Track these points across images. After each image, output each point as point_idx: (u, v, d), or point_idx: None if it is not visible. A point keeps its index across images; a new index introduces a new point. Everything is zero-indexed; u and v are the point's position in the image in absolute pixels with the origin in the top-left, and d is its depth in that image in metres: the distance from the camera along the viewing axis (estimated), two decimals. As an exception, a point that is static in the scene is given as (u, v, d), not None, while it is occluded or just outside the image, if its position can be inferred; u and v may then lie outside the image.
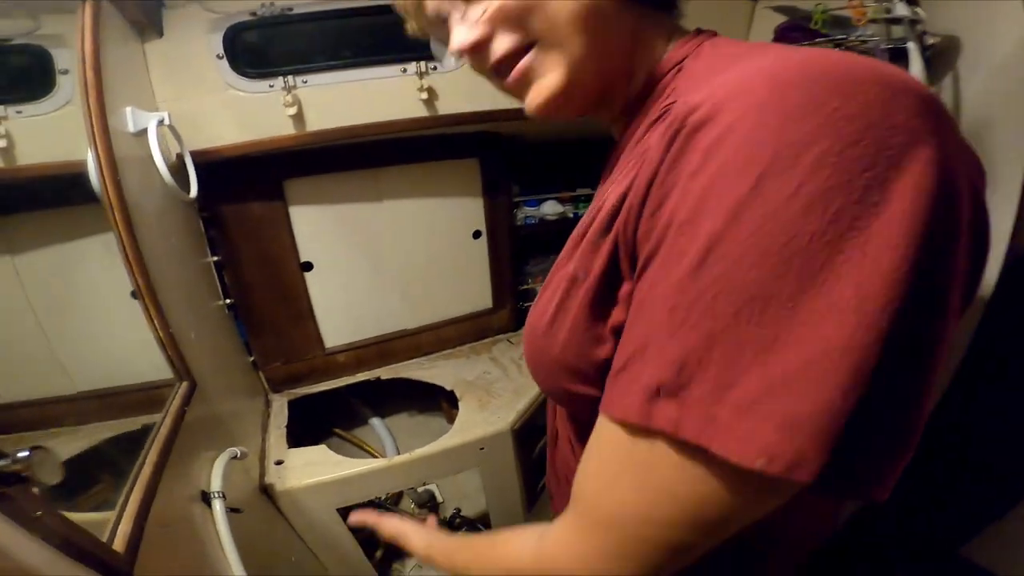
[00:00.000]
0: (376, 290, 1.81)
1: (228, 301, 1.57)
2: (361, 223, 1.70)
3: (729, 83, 0.35)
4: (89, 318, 1.02)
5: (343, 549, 1.53)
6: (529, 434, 1.63)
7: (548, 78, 0.50)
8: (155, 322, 0.96)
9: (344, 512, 1.45)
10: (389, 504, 1.79)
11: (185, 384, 1.01)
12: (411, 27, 0.61)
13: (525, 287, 2.08)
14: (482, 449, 1.51)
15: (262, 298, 1.65)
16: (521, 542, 0.51)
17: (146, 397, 1.01)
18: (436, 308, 1.93)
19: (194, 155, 1.30)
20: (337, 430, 2.01)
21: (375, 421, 2.04)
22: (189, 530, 0.90)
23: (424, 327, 1.93)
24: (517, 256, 2.01)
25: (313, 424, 1.97)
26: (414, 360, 1.94)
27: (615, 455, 0.40)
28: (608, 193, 0.46)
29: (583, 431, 0.49)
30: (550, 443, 0.72)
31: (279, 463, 1.42)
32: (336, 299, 1.76)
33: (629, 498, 0.39)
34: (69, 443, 0.84)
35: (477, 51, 0.51)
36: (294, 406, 1.73)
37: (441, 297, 1.92)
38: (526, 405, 1.60)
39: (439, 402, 2.00)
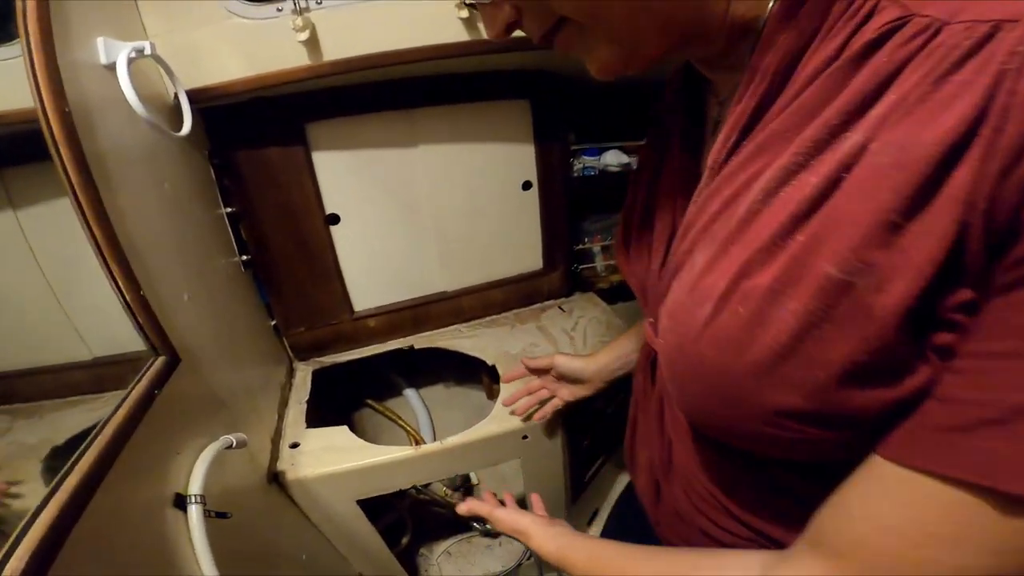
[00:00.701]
0: (411, 247, 1.59)
1: (245, 258, 1.38)
2: (394, 171, 1.47)
3: None
4: (102, 279, 0.85)
5: (364, 541, 1.37)
6: (580, 420, 1.41)
7: (598, 51, 0.45)
8: (119, 283, 0.76)
9: (365, 504, 1.27)
10: (419, 486, 1.61)
11: (162, 360, 0.82)
12: None
13: (581, 247, 1.82)
14: (525, 438, 1.30)
15: (283, 255, 1.46)
16: (738, 569, 0.47)
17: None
18: (478, 269, 1.71)
19: (194, 94, 1.10)
20: (370, 401, 1.84)
21: (409, 393, 1.86)
22: (150, 546, 0.71)
23: (464, 290, 1.71)
24: (573, 211, 1.75)
25: (344, 394, 1.82)
26: (453, 327, 1.74)
27: (928, 512, 0.35)
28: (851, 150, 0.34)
29: (729, 456, 0.49)
30: (653, 450, 0.65)
31: (294, 446, 1.24)
32: (366, 257, 1.56)
33: (944, 557, 0.34)
34: (89, 412, 0.74)
35: (512, 31, 0.46)
36: (320, 376, 1.55)
37: (484, 256, 1.69)
38: (579, 388, 1.37)
39: (479, 373, 1.80)
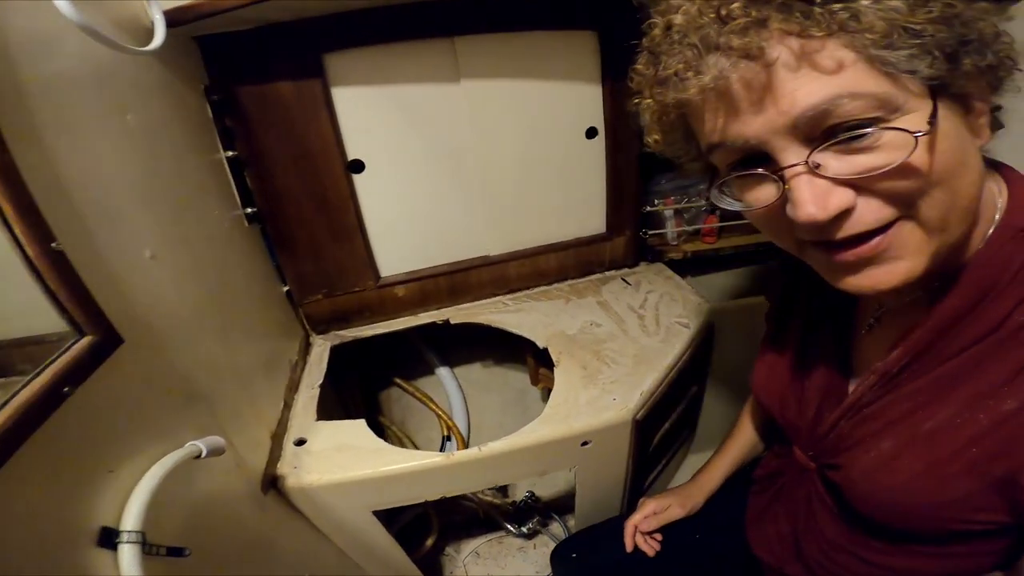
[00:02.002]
0: (448, 202, 1.32)
1: (250, 211, 1.14)
2: (430, 111, 1.20)
3: None
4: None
5: (380, 549, 1.17)
6: (652, 424, 1.14)
7: (905, 264, 0.46)
8: (13, 230, 0.52)
9: (383, 515, 1.04)
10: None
11: (86, 341, 0.58)
12: (651, 141, 0.57)
13: (650, 209, 1.52)
14: (586, 444, 1.04)
15: (296, 207, 1.22)
16: None
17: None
18: (529, 229, 1.43)
19: (176, 13, 0.85)
20: (398, 380, 1.61)
21: (443, 372, 1.63)
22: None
23: (512, 254, 1.44)
24: (643, 167, 1.44)
25: (369, 369, 1.60)
26: (496, 298, 1.48)
27: None
28: None
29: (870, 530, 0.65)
30: (797, 521, 0.78)
31: (300, 443, 1.02)
32: (395, 212, 1.30)
33: None
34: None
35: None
36: (340, 352, 1.32)
37: (537, 215, 1.41)
38: (655, 381, 1.10)
39: (523, 353, 1.54)
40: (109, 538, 0.56)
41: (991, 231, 0.49)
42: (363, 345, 1.38)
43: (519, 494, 1.67)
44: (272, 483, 0.93)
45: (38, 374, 0.52)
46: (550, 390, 1.14)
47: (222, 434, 0.79)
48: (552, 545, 1.62)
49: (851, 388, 0.66)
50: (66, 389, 0.53)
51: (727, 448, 1.01)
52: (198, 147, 0.99)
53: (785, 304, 0.79)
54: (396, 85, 1.16)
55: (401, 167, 1.25)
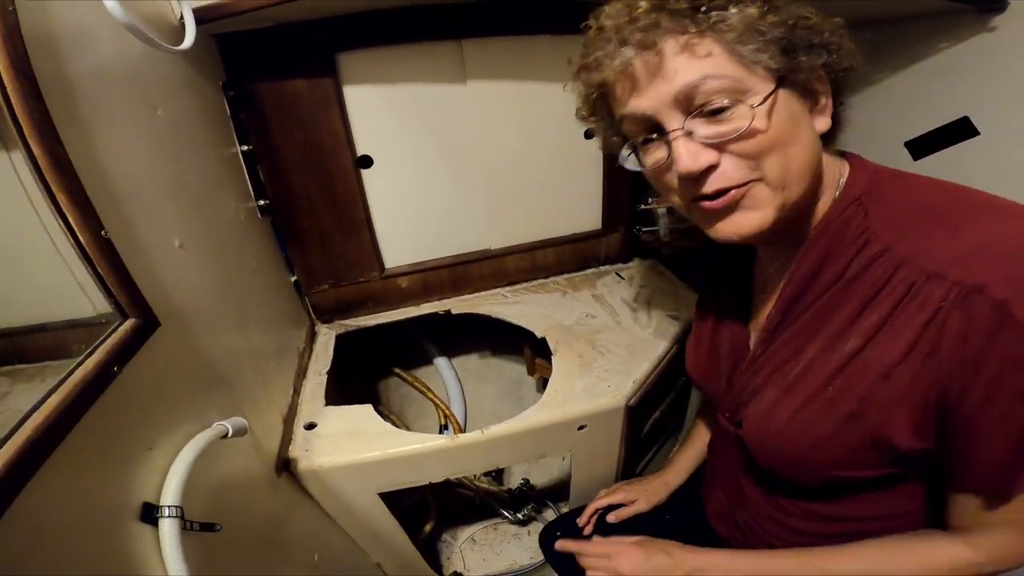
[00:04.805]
0: (453, 198, 1.37)
1: (262, 203, 1.18)
2: (438, 110, 1.25)
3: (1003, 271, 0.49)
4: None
5: (384, 532, 1.21)
6: (643, 410, 1.20)
7: (758, 213, 0.58)
8: (68, 220, 0.56)
9: (387, 497, 1.09)
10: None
11: (130, 324, 0.62)
12: (581, 116, 0.70)
13: (644, 207, 1.57)
14: (582, 428, 1.09)
15: (306, 200, 1.26)
16: (944, 552, 0.63)
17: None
18: (528, 225, 1.49)
19: (204, 12, 0.90)
20: (397, 370, 1.65)
21: (440, 362, 1.68)
22: (103, 572, 0.53)
23: (511, 248, 1.50)
24: (639, 167, 1.49)
25: (369, 358, 1.64)
26: (495, 291, 1.53)
27: None
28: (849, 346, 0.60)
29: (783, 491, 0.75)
30: (728, 489, 0.88)
31: (310, 427, 1.06)
32: (400, 206, 1.35)
33: None
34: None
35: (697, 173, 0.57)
36: (344, 341, 1.36)
37: (536, 211, 1.46)
38: (646, 370, 1.16)
39: (520, 344, 1.59)
40: (150, 513, 0.60)
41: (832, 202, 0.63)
42: (364, 335, 1.43)
43: (514, 482, 1.73)
44: (285, 465, 0.98)
45: (91, 352, 0.56)
46: (546, 380, 1.19)
47: (241, 416, 0.83)
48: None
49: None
50: (115, 368, 0.58)
51: (690, 441, 1.09)
52: (216, 141, 1.03)
53: (706, 290, 0.92)
54: (405, 84, 1.20)
55: (408, 163, 1.29)
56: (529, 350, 1.58)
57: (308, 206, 1.27)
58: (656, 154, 0.60)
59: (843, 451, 0.61)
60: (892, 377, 0.55)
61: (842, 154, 0.67)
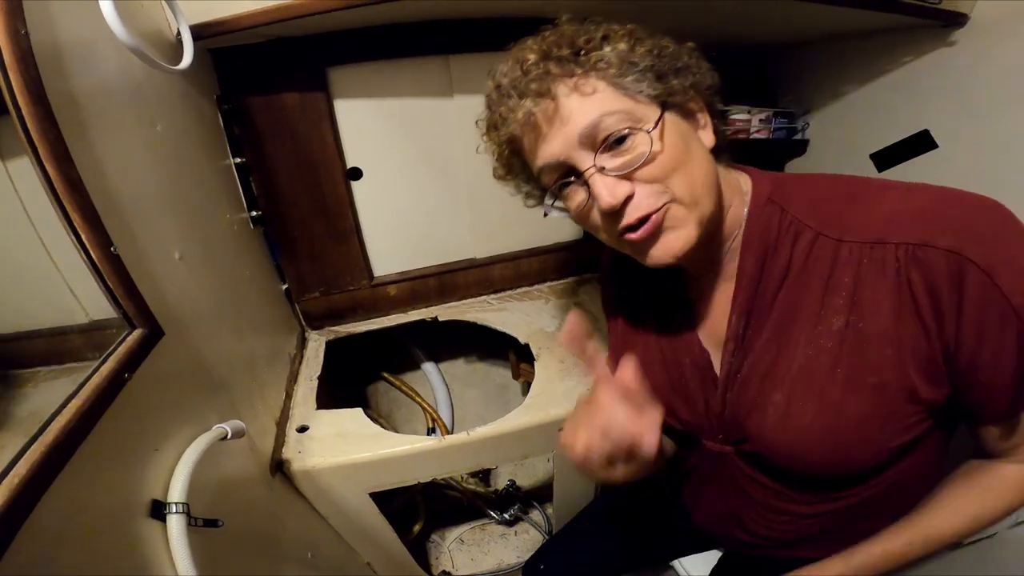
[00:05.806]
0: (439, 208, 1.43)
1: (255, 213, 1.22)
2: (425, 123, 1.30)
3: (952, 223, 0.54)
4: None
5: (374, 532, 1.25)
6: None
7: (683, 231, 0.60)
8: (80, 236, 0.60)
9: (378, 497, 1.13)
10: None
11: (138, 333, 0.67)
12: (497, 175, 0.73)
13: (625, 217, 1.63)
14: (562, 430, 1.13)
15: (297, 211, 1.30)
16: (1009, 475, 0.66)
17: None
18: (513, 235, 1.54)
19: (199, 29, 0.94)
20: (386, 374, 1.69)
21: (428, 367, 1.72)
22: (117, 565, 0.57)
23: (496, 257, 1.55)
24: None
25: (358, 364, 1.68)
26: (480, 298, 1.58)
27: None
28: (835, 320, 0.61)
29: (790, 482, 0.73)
30: (728, 498, 0.83)
31: (302, 430, 1.10)
32: (389, 216, 1.39)
33: None
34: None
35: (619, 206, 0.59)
36: (334, 347, 1.40)
37: (520, 221, 1.51)
38: (624, 375, 1.20)
39: (504, 349, 1.64)
40: (159, 509, 0.64)
41: (746, 208, 0.67)
42: (354, 341, 1.47)
43: (501, 483, 1.77)
44: (279, 466, 1.02)
45: (104, 360, 0.60)
46: (530, 384, 1.23)
47: (239, 419, 0.87)
48: (533, 532, 1.73)
49: (717, 368, 0.73)
50: (126, 375, 0.62)
51: None
52: (211, 154, 1.07)
53: (623, 321, 0.88)
54: (394, 99, 1.25)
55: (396, 175, 1.34)
56: (514, 355, 1.63)
57: (299, 217, 1.31)
58: (577, 197, 0.63)
59: (891, 421, 0.61)
60: (894, 341, 0.57)
61: (737, 167, 0.71)
